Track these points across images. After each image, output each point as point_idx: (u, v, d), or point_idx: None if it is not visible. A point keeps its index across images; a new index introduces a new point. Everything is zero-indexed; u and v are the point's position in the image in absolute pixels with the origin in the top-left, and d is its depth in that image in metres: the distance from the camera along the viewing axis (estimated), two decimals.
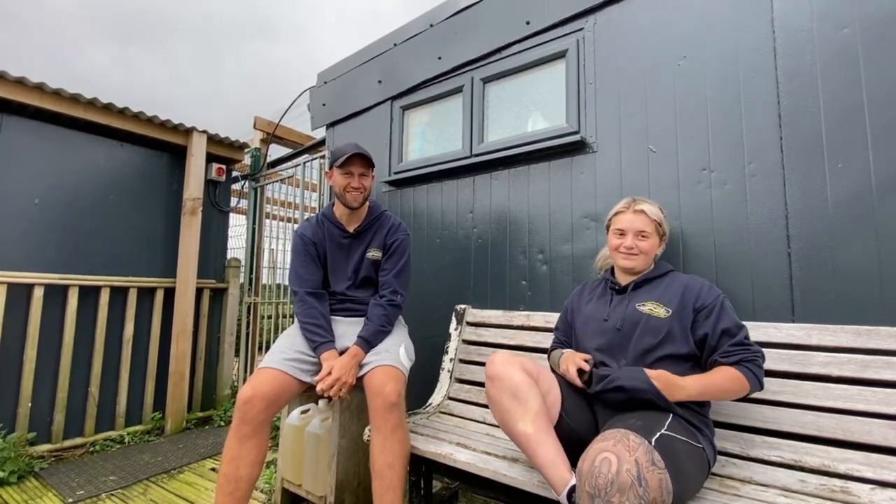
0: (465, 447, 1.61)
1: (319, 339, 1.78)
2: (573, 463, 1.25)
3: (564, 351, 1.56)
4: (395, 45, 2.80)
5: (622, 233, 1.51)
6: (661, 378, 1.25)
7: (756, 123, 1.63)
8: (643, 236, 1.48)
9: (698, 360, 1.38)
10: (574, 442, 1.31)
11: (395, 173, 2.73)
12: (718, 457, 1.41)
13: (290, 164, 3.80)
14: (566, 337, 1.66)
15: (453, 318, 2.25)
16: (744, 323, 1.51)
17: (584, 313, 1.58)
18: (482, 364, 2.08)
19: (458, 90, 2.52)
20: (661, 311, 1.39)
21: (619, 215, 1.55)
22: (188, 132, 3.45)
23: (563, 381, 1.48)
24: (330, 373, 1.67)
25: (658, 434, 1.12)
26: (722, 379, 1.27)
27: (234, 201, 4.04)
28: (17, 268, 2.73)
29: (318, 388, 1.66)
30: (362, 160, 1.88)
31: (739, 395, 1.28)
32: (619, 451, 1.00)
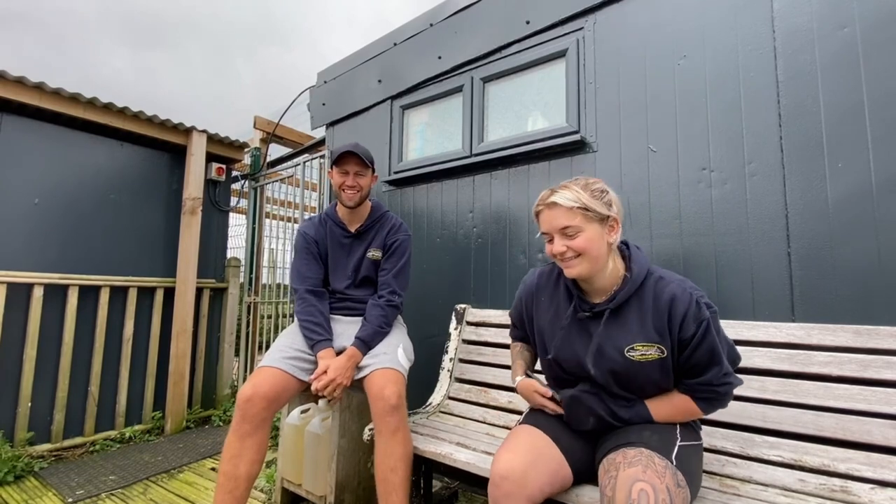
0: (465, 447, 1.61)
1: (317, 336, 1.78)
2: (585, 477, 1.27)
3: (523, 381, 1.39)
4: (395, 44, 2.80)
5: (549, 237, 1.22)
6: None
7: (756, 123, 1.63)
8: (570, 234, 1.17)
9: None
10: (583, 466, 1.28)
11: (395, 173, 2.73)
12: (719, 456, 1.41)
13: (289, 163, 3.80)
14: (524, 334, 1.49)
15: (453, 318, 2.25)
16: (745, 323, 1.51)
17: (548, 337, 1.32)
18: (482, 364, 2.08)
19: (458, 90, 2.52)
20: (653, 353, 1.17)
21: (538, 216, 1.24)
22: (188, 132, 3.45)
23: (562, 431, 1.28)
24: (325, 372, 1.67)
25: (676, 449, 1.13)
26: (672, 408, 1.21)
27: (233, 201, 4.04)
28: (17, 268, 2.73)
29: (313, 387, 1.66)
30: (357, 159, 1.88)
31: (688, 420, 1.24)
32: (651, 478, 1.00)
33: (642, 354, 1.17)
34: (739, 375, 1.44)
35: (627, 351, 1.18)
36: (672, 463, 1.07)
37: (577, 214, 1.16)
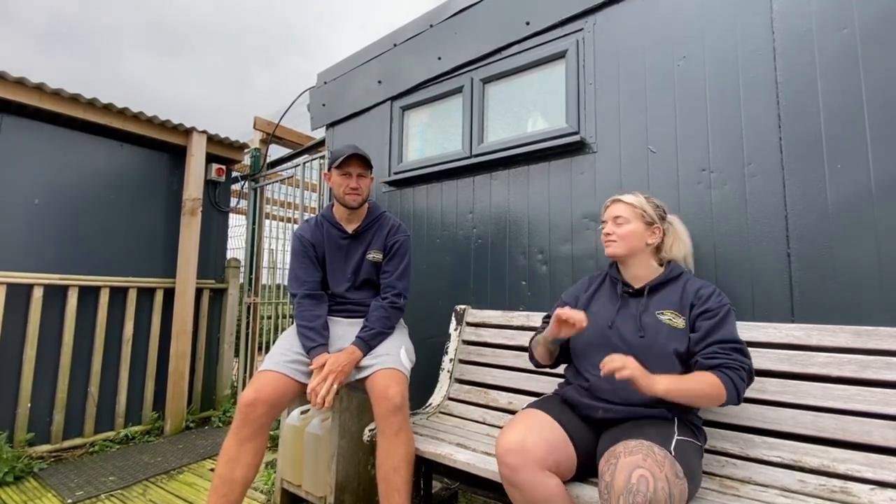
0: (465, 447, 1.61)
1: (311, 343, 1.77)
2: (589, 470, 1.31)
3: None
4: (395, 45, 2.80)
5: (604, 223, 1.51)
6: (638, 370, 1.18)
7: (756, 124, 1.63)
8: (620, 222, 1.45)
9: None
10: (586, 452, 1.33)
11: (395, 173, 2.73)
12: (718, 457, 1.41)
13: (289, 164, 3.80)
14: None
15: (453, 319, 2.25)
16: (745, 324, 1.52)
17: (592, 314, 1.46)
18: (482, 365, 2.08)
19: (458, 90, 2.52)
20: (680, 322, 1.33)
21: (605, 210, 1.54)
22: (188, 132, 3.45)
23: (563, 413, 1.37)
24: (323, 366, 1.66)
25: (674, 441, 1.16)
26: (697, 382, 1.20)
27: (233, 201, 4.04)
28: (16, 268, 2.73)
29: (309, 388, 1.64)
30: (360, 161, 1.88)
31: (712, 405, 1.22)
32: (650, 466, 1.02)
33: (669, 319, 1.35)
34: None
35: (658, 314, 1.37)
36: (671, 454, 1.10)
37: (629, 209, 1.46)
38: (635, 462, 1.04)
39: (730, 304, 1.33)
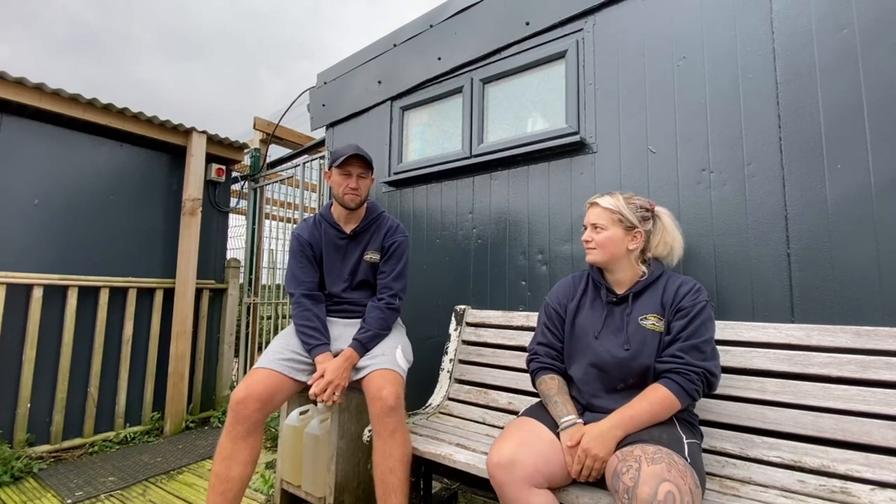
0: (465, 448, 1.61)
1: (314, 341, 1.78)
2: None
3: (567, 420, 1.29)
4: (395, 45, 2.80)
5: (585, 228, 1.46)
6: (596, 436, 1.19)
7: (755, 124, 1.63)
8: (598, 229, 1.41)
9: None
10: None
11: (395, 174, 2.73)
12: (718, 457, 1.41)
13: (289, 164, 3.81)
14: (560, 342, 1.49)
15: (453, 319, 2.25)
16: (745, 324, 1.52)
17: (578, 325, 1.46)
18: (482, 365, 2.08)
19: (458, 91, 2.52)
20: (661, 325, 1.33)
21: (585, 213, 1.49)
22: (188, 132, 3.45)
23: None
24: (323, 375, 1.67)
25: (686, 447, 1.16)
26: (647, 405, 1.22)
27: (233, 202, 4.04)
28: (16, 268, 2.73)
29: (311, 392, 1.66)
30: (361, 161, 1.88)
31: (671, 413, 1.24)
32: (675, 479, 1.01)
33: (653, 324, 1.34)
34: (738, 376, 1.46)
35: (642, 320, 1.35)
36: (687, 461, 1.10)
37: (607, 214, 1.41)
38: (660, 473, 1.01)
39: (706, 301, 1.31)
